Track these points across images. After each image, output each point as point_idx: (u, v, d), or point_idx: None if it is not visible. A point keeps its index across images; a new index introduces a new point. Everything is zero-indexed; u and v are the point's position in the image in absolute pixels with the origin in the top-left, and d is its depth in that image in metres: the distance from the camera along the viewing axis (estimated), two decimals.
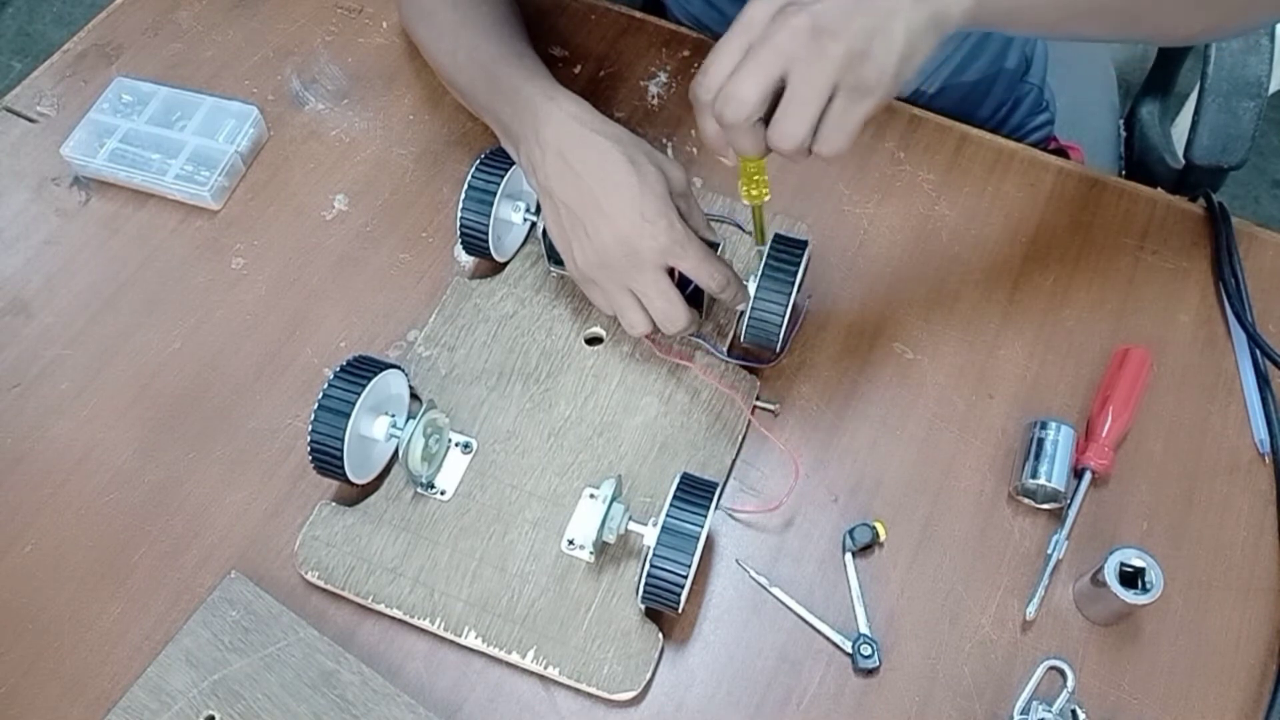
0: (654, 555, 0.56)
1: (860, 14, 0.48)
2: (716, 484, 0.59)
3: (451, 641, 0.60)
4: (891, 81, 0.49)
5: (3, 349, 0.72)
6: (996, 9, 0.52)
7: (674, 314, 0.62)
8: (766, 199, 0.59)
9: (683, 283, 0.62)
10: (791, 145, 0.50)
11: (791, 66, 0.49)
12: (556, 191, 0.62)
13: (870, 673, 0.60)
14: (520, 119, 0.65)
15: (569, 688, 0.59)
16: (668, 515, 0.56)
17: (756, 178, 0.58)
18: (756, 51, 0.49)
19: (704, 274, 0.61)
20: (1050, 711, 0.57)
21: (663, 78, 0.85)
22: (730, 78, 0.50)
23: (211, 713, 0.55)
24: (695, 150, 0.81)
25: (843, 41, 0.48)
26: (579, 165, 0.61)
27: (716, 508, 0.58)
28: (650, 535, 0.57)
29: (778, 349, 0.65)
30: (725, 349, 0.68)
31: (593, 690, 0.58)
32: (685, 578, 0.55)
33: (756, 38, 0.49)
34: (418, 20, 0.79)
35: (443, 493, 0.63)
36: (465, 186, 0.68)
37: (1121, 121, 1.04)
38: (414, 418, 0.61)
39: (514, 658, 0.59)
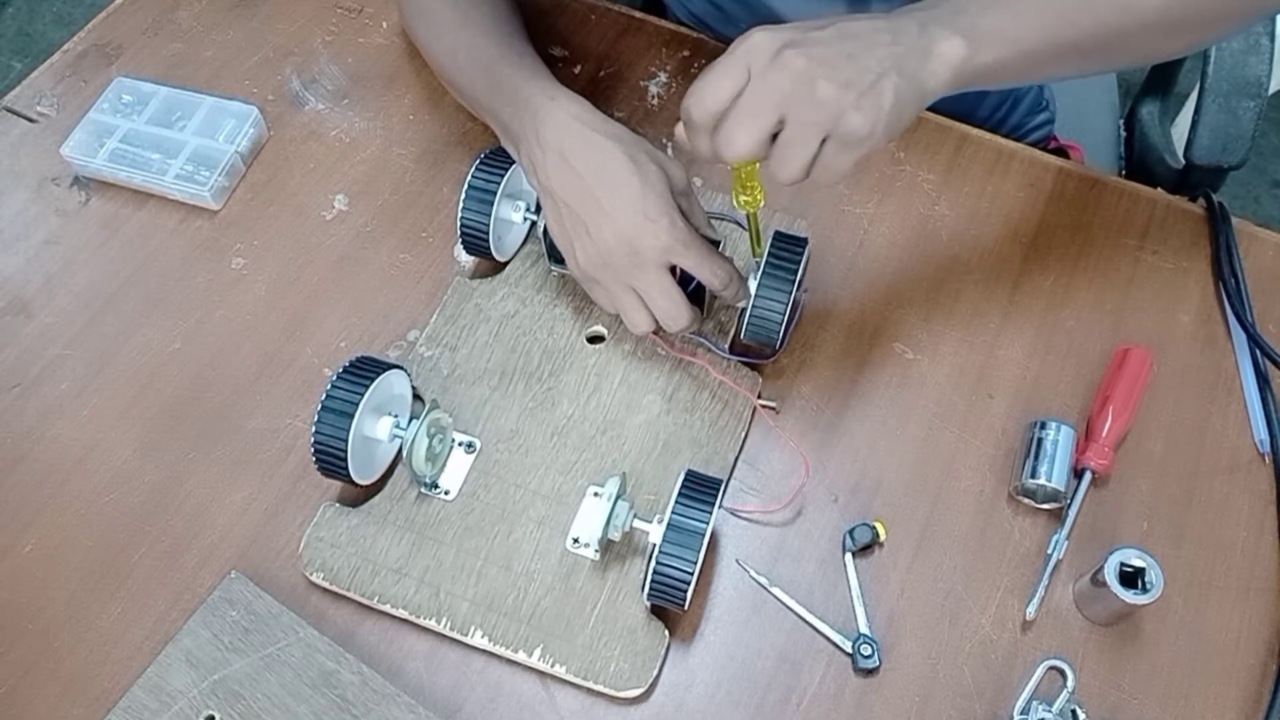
0: (660, 552, 0.56)
1: (853, 65, 0.50)
2: (721, 480, 0.59)
3: (452, 641, 0.60)
4: (882, 135, 0.52)
5: (3, 349, 0.71)
6: (973, 75, 0.54)
7: (676, 312, 0.62)
8: (761, 205, 0.59)
9: (684, 280, 0.62)
10: (789, 180, 0.53)
11: (787, 111, 0.51)
12: (557, 191, 0.62)
13: (870, 673, 0.60)
14: (521, 119, 0.65)
15: (574, 686, 0.59)
16: (673, 512, 0.56)
17: (749, 184, 0.58)
18: (755, 91, 0.51)
19: (706, 271, 0.61)
20: (1050, 711, 0.57)
21: (663, 78, 0.85)
22: (728, 118, 0.52)
23: (211, 713, 0.55)
24: None
25: (835, 90, 0.50)
26: (580, 165, 0.61)
27: (720, 506, 0.58)
28: (655, 532, 0.57)
29: (777, 346, 0.66)
30: (727, 347, 0.69)
31: (600, 688, 0.58)
32: (691, 574, 0.55)
33: (756, 70, 0.51)
34: (417, 20, 0.79)
35: (447, 492, 0.63)
36: (465, 186, 0.68)
37: (1121, 121, 1.05)
38: (417, 418, 0.61)
39: (520, 656, 0.59)
